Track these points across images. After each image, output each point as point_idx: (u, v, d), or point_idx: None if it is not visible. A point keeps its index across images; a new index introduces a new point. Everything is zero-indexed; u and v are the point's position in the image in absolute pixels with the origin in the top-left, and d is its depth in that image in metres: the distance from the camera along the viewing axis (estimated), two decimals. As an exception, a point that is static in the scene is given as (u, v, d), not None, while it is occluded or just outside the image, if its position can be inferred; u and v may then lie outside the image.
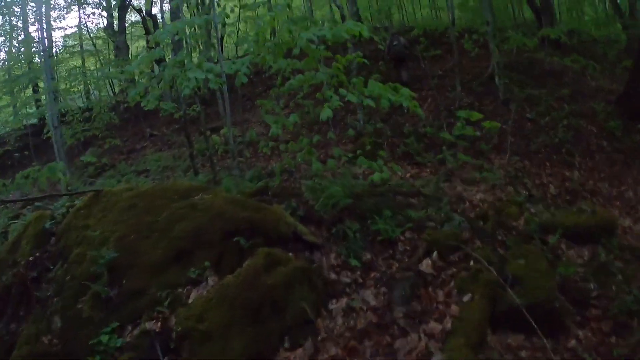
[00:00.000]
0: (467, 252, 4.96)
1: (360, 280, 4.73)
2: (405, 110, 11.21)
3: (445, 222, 5.56)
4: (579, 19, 23.39)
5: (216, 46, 8.13)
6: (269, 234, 4.95)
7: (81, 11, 22.99)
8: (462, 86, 12.77)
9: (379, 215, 5.40)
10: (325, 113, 5.61)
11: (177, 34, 7.78)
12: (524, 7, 21.79)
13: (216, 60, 8.43)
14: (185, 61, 8.21)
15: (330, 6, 18.40)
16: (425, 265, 4.88)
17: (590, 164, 10.44)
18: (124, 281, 4.56)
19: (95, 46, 24.40)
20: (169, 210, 5.17)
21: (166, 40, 8.72)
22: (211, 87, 7.03)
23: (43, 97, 19.39)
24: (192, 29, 12.67)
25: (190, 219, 5.00)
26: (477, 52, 14.78)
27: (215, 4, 8.15)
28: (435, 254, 4.99)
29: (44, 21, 14.93)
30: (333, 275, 4.77)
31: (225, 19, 9.01)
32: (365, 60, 7.20)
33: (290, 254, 4.81)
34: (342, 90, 5.85)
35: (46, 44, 14.06)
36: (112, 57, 23.53)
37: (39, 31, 15.40)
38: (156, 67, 16.50)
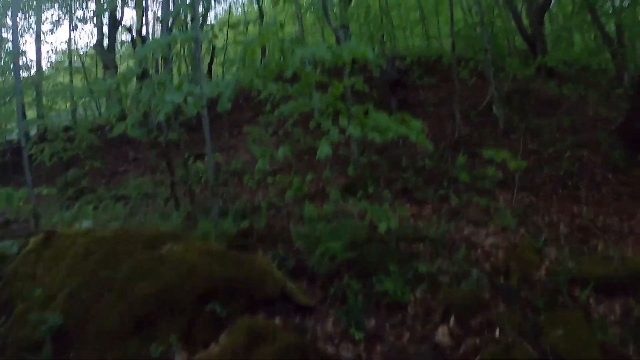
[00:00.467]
0: (490, 317, 4.00)
1: (365, 356, 3.75)
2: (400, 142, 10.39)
3: (462, 279, 4.58)
4: (569, 48, 22.79)
5: (199, 66, 7.12)
6: (252, 295, 4.02)
7: (72, 25, 22.05)
8: (460, 115, 11.96)
9: (384, 270, 4.44)
10: (324, 150, 4.69)
11: (157, 51, 6.81)
12: (516, 36, 21.13)
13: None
14: (166, 82, 7.26)
15: (323, 32, 17.73)
16: (442, 334, 3.92)
17: (597, 197, 9.63)
18: (71, 354, 3.63)
19: (83, 63, 23.40)
20: (131, 262, 4.21)
21: (148, 57, 7.78)
22: (189, 112, 6.07)
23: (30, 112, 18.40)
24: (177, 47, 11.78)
25: (156, 276, 4.03)
26: (473, 81, 13.98)
27: (200, 20, 7.23)
28: (452, 319, 4.04)
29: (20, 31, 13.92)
30: (330, 349, 3.79)
31: (215, 40, 8.10)
32: (365, 87, 6.31)
33: (278, 320, 3.83)
34: (343, 121, 4.92)
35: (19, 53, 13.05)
36: (100, 75, 22.52)
37: (11, 40, 14.41)
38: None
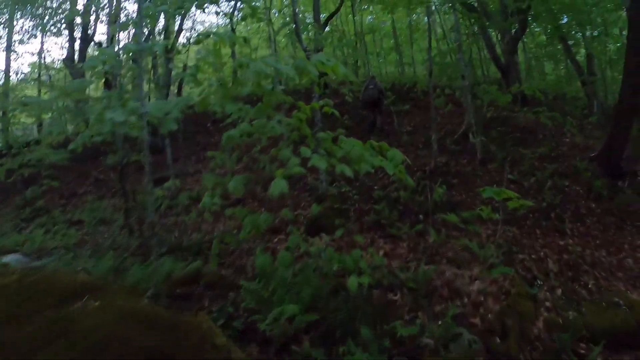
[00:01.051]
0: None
1: None
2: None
3: (450, 341, 3.64)
4: (540, 77, 22.48)
5: (141, 83, 6.13)
6: (185, 370, 3.01)
7: (43, 38, 21.08)
8: (437, 144, 11.19)
9: (354, 333, 3.47)
10: (278, 187, 3.77)
11: (105, 63, 5.81)
12: (490, 65, 20.64)
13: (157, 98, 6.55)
14: (112, 99, 6.27)
15: (295, 57, 16.96)
16: (428, 421, 2.98)
17: (582, 229, 8.95)
18: None
19: (51, 77, 22.16)
20: (37, 323, 3.18)
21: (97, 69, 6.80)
22: (127, 133, 5.11)
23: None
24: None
25: (65, 344, 3.00)
26: (449, 109, 13.25)
27: (161, 36, 6.25)
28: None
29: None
30: None
31: (173, 57, 7.15)
32: (335, 111, 5.42)
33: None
34: (304, 150, 4.01)
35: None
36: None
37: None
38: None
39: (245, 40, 6.33)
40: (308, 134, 4.75)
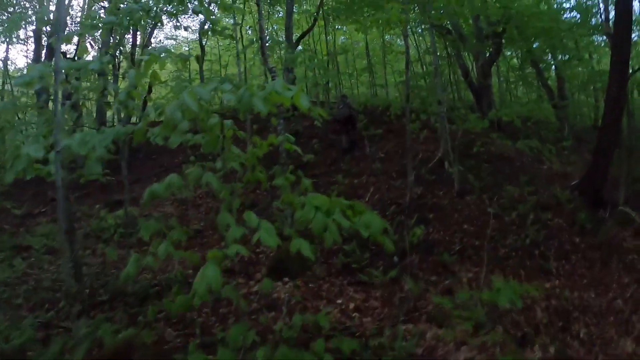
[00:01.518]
0: None
1: None
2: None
3: None
4: (513, 101, 22.01)
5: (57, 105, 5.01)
6: None
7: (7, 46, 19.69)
8: (401, 174, 10.40)
9: None
10: (207, 277, 2.78)
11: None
12: (463, 88, 20.02)
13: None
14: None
15: (266, 74, 16.09)
16: None
17: (568, 268, 8.14)
18: None
19: (11, 85, 20.73)
20: None
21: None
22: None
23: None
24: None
25: None
26: (424, 135, 12.45)
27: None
28: None
29: None
30: None
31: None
32: (298, 148, 4.49)
33: None
34: (249, 216, 3.08)
35: None
36: (32, 101, 19.78)
37: None
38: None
39: (187, 59, 5.34)
40: (263, 179, 3.82)
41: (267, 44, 8.97)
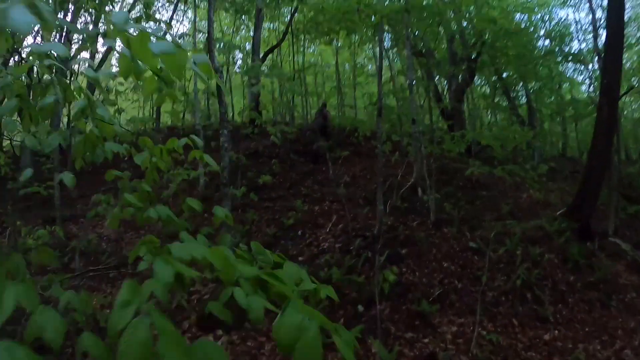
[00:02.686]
0: None
1: None
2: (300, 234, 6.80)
3: None
4: (486, 127, 20.77)
5: None
6: None
7: None
8: (369, 201, 8.71)
9: None
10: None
11: None
12: (435, 112, 18.53)
13: None
14: None
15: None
16: None
17: (566, 313, 6.64)
18: None
19: None
20: None
21: None
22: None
23: None
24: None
25: None
26: (395, 158, 10.73)
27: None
28: None
29: None
30: None
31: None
32: (211, 161, 2.68)
33: None
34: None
35: None
36: None
37: None
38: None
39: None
40: (181, 227, 2.14)
41: (214, 39, 7.14)
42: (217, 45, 7.53)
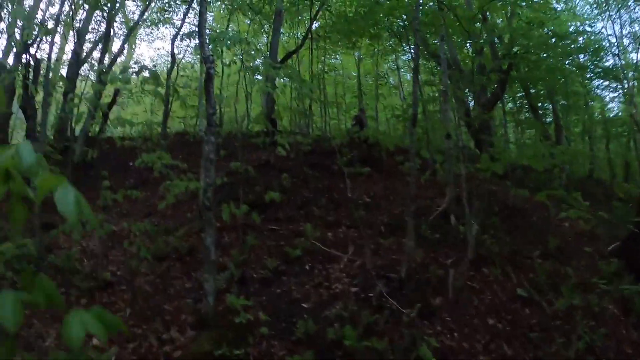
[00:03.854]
0: None
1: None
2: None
3: None
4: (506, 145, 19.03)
5: None
6: None
7: None
8: (393, 228, 7.06)
9: None
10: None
11: None
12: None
13: None
14: None
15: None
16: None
17: None
18: None
19: None
20: None
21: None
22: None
23: None
24: None
25: None
26: (425, 177, 9.02)
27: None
28: None
29: None
30: None
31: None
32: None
33: None
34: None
35: None
36: None
37: None
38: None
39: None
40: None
41: (206, 26, 5.51)
42: (227, 40, 6.14)
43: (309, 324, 4.45)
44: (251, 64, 13.92)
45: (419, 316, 4.72)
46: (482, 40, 12.62)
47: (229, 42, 5.89)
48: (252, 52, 12.28)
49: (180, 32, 14.19)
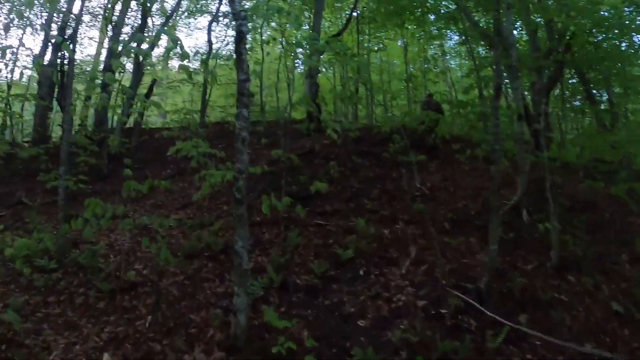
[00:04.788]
0: None
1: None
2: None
3: None
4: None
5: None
6: None
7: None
8: (458, 225, 5.84)
9: None
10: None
11: None
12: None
13: None
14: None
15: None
16: None
17: None
18: None
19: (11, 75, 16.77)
20: None
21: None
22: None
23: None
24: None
25: None
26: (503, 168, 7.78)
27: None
28: None
29: None
30: None
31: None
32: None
33: None
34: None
35: None
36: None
37: None
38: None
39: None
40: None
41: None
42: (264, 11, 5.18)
43: (368, 353, 3.35)
44: (293, 40, 12.95)
45: (507, 340, 3.58)
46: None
47: (267, 12, 4.80)
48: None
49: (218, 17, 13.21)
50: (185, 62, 4.82)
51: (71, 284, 5.23)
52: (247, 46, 4.38)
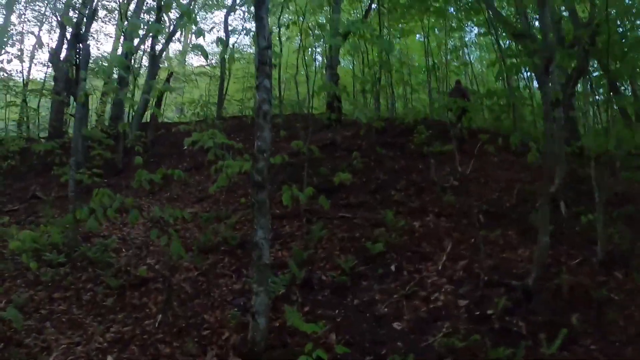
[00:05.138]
0: None
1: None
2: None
3: None
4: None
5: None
6: None
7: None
8: (494, 217, 5.35)
9: None
10: None
11: None
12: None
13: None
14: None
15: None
16: None
17: None
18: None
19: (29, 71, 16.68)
20: None
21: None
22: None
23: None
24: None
25: None
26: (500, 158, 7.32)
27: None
28: None
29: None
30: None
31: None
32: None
33: None
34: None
35: None
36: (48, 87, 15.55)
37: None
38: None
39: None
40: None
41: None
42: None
43: (407, 360, 2.88)
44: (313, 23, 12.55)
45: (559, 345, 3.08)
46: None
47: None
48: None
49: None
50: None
51: (79, 279, 4.87)
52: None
